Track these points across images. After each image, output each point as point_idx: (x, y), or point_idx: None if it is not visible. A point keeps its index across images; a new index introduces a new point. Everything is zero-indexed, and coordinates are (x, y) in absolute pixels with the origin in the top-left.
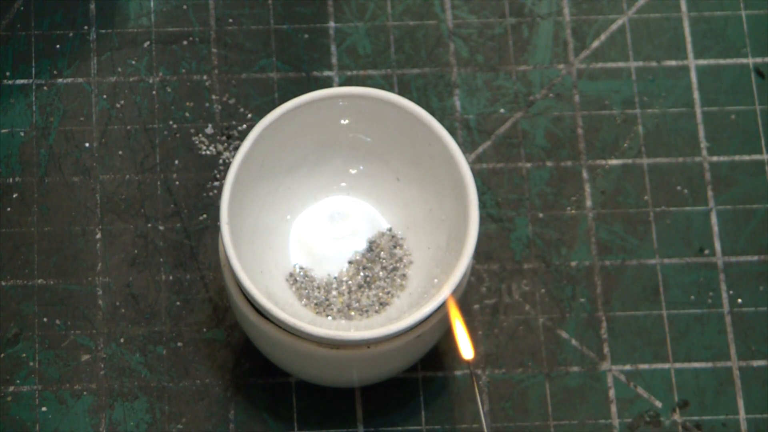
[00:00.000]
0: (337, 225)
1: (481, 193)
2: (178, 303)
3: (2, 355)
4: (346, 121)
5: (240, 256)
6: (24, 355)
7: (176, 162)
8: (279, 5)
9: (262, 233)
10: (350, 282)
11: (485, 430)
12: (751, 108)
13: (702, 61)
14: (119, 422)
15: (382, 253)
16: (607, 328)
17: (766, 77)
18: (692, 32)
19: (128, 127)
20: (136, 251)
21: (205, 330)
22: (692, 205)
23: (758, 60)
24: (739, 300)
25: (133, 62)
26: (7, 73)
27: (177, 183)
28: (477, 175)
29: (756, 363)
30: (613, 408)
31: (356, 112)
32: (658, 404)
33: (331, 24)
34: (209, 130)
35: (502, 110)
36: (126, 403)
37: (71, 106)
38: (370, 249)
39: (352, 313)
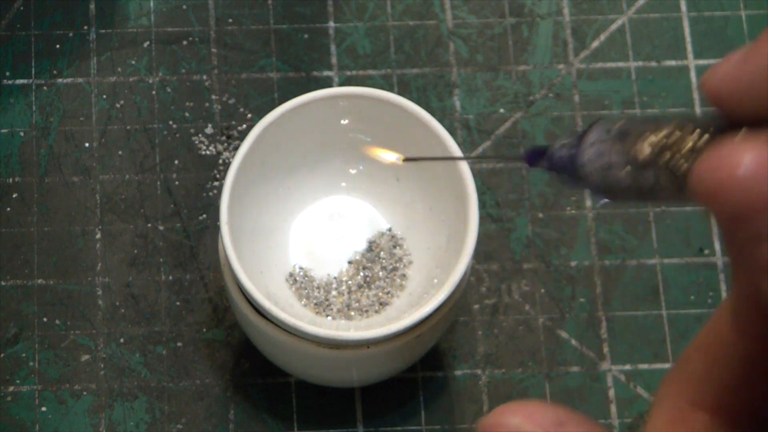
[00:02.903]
0: (337, 225)
1: (480, 193)
2: (177, 303)
3: (2, 355)
4: (346, 121)
5: (240, 256)
6: (24, 355)
7: (176, 162)
8: (279, 5)
9: (262, 233)
10: (350, 282)
11: None
12: None
13: (702, 61)
14: (119, 422)
15: (381, 253)
16: (607, 328)
17: None
18: (692, 32)
19: (128, 127)
20: (135, 251)
21: (204, 330)
22: (692, 205)
23: None
24: None
25: (133, 62)
26: (7, 73)
27: (177, 183)
28: (477, 175)
29: None
30: (613, 408)
31: (356, 112)
32: None
33: (331, 24)
34: (209, 130)
35: (501, 110)
36: (126, 403)
37: (71, 106)
38: (369, 249)
39: (352, 313)
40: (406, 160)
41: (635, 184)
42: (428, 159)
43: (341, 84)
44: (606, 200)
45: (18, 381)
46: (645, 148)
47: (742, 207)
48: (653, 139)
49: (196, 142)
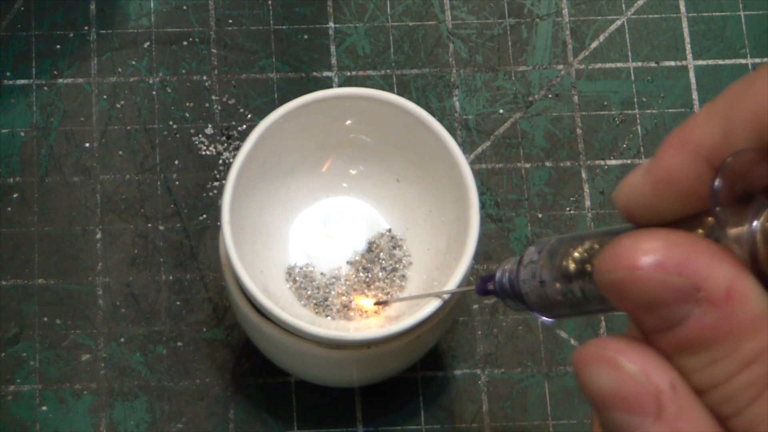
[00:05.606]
0: (337, 225)
1: (480, 194)
2: (178, 303)
3: (2, 354)
4: (348, 122)
5: (240, 256)
6: (24, 354)
7: (176, 162)
8: (279, 6)
9: (263, 233)
10: (350, 282)
11: None
12: None
13: (701, 62)
14: (119, 422)
15: (381, 253)
16: (606, 327)
17: None
18: (691, 33)
19: (128, 128)
20: (136, 251)
21: (205, 330)
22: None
23: (757, 60)
24: None
25: (133, 63)
26: (8, 73)
27: (177, 183)
28: (476, 175)
29: None
30: None
31: (357, 112)
32: None
33: (331, 24)
34: (209, 130)
35: (501, 111)
36: (126, 403)
37: (71, 107)
38: (369, 249)
39: (351, 314)
40: (377, 303)
41: (566, 297)
42: (396, 300)
43: (341, 84)
44: (547, 319)
45: (18, 380)
46: (570, 263)
47: (634, 302)
48: (576, 254)
49: (196, 142)
